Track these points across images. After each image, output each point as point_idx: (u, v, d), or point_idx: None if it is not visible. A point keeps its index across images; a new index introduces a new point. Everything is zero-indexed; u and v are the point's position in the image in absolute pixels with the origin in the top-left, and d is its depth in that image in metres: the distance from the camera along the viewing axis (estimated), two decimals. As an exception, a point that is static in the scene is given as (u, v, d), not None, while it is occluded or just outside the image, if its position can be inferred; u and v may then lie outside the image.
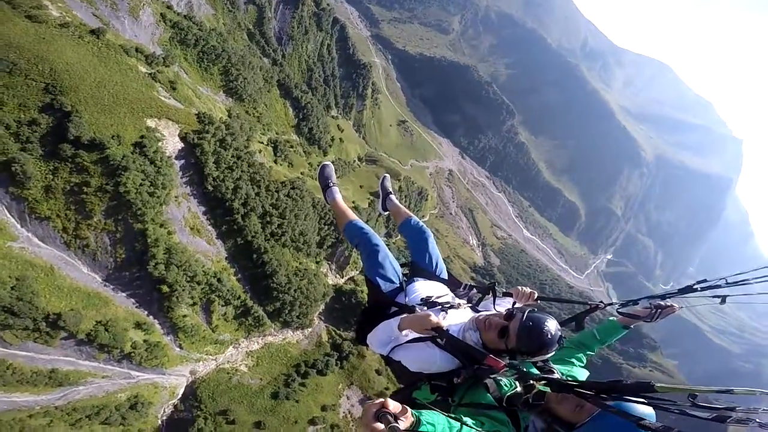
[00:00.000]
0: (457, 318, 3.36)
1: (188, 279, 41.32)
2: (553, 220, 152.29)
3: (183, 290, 40.78)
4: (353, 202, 68.11)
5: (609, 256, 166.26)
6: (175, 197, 41.53)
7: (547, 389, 2.64)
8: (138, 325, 39.28)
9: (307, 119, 77.74)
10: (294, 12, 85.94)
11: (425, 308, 3.48)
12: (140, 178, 37.07)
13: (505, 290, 3.95)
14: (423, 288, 3.87)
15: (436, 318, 3.01)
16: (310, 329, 54.82)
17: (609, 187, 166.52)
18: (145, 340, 39.46)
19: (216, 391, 43.51)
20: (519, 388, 2.79)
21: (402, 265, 4.27)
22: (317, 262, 58.35)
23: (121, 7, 51.08)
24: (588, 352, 3.68)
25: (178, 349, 42.33)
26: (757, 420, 1.77)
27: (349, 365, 53.48)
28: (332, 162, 65.40)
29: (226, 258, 46.16)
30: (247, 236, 46.88)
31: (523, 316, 2.78)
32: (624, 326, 3.79)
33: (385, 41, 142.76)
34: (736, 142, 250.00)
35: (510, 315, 2.88)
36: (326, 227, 58.02)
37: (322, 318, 57.35)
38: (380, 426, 1.64)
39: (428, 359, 3.04)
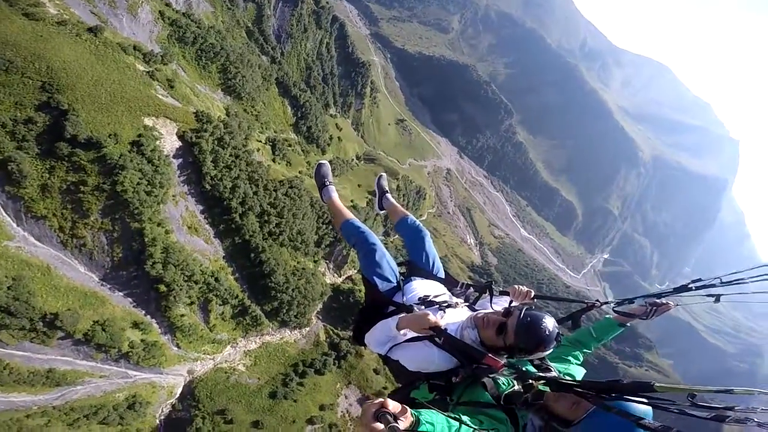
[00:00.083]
0: (455, 317, 3.35)
1: (186, 278, 41.22)
2: (551, 219, 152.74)
3: (180, 289, 40.69)
4: (351, 201, 68.04)
5: (606, 256, 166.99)
6: (173, 196, 41.38)
7: (546, 389, 2.63)
8: (135, 325, 39.17)
9: (305, 118, 77.55)
10: (293, 10, 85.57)
11: (423, 307, 3.48)
12: (137, 176, 36.91)
13: (501, 289, 3.94)
14: (420, 287, 3.86)
15: (434, 317, 3.02)
16: (307, 328, 54.83)
17: (606, 186, 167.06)
18: (142, 340, 39.37)
19: (214, 391, 43.46)
20: (517, 387, 2.80)
21: (399, 265, 4.26)
22: (315, 262, 58.33)
23: (119, 5, 50.70)
24: (584, 350, 3.70)
25: (175, 348, 42.25)
26: (755, 419, 1.77)
27: (347, 364, 53.53)
28: (330, 161, 65.59)
29: (223, 257, 46.08)
30: (244, 235, 46.79)
31: (520, 313, 2.77)
32: (620, 324, 3.79)
33: (384, 40, 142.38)
34: (733, 143, 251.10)
35: (508, 312, 2.89)
36: (324, 226, 57.96)
37: (320, 317, 57.36)
38: (380, 426, 1.63)
39: (426, 358, 3.04)
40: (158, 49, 52.02)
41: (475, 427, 2.28)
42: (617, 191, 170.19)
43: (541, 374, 2.84)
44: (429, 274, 4.22)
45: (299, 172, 62.31)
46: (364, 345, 3.70)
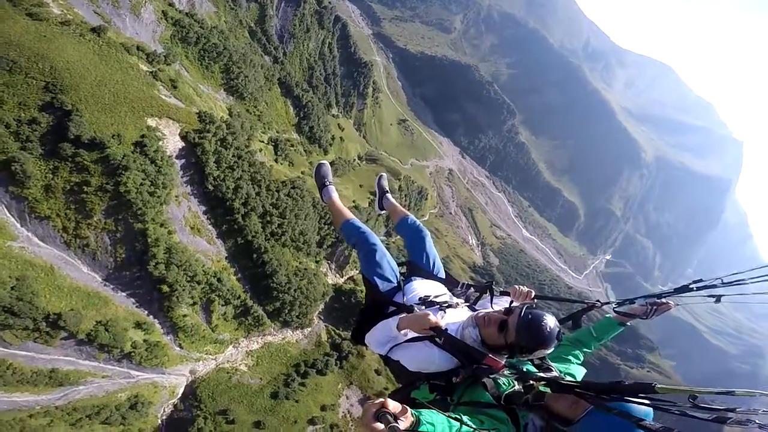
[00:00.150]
0: (455, 317, 3.35)
1: (188, 279, 41.29)
2: (553, 220, 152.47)
3: (183, 290, 40.75)
4: (353, 202, 68.06)
5: (608, 257, 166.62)
6: (176, 197, 41.44)
7: (547, 389, 2.61)
8: (138, 325, 39.27)
9: (307, 118, 77.59)
10: (296, 10, 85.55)
11: (423, 308, 3.48)
12: (141, 177, 36.96)
13: (502, 289, 3.93)
14: (421, 287, 3.86)
15: (434, 317, 3.02)
16: (309, 329, 54.88)
17: (609, 187, 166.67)
18: (145, 340, 39.46)
19: (216, 391, 43.56)
20: (518, 387, 2.78)
21: (399, 265, 4.25)
22: (317, 262, 58.37)
23: (122, 5, 50.76)
24: (585, 350, 3.69)
25: (178, 348, 42.34)
26: (756, 421, 1.76)
27: (349, 365, 53.59)
28: (332, 161, 65.62)
29: (226, 257, 46.13)
30: (247, 236, 46.84)
31: (522, 311, 2.78)
32: (620, 323, 3.78)
33: (386, 40, 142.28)
34: (737, 144, 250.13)
35: (509, 311, 2.90)
36: (326, 227, 57.98)
37: (322, 317, 57.40)
38: (380, 426, 1.63)
39: (427, 359, 3.04)
40: (161, 50, 52.08)
41: (476, 427, 2.28)
42: (620, 192, 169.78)
43: (541, 375, 2.81)
44: (429, 275, 4.22)
45: (301, 173, 62.32)
46: (365, 345, 3.70)
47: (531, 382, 2.76)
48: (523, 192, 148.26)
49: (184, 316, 41.94)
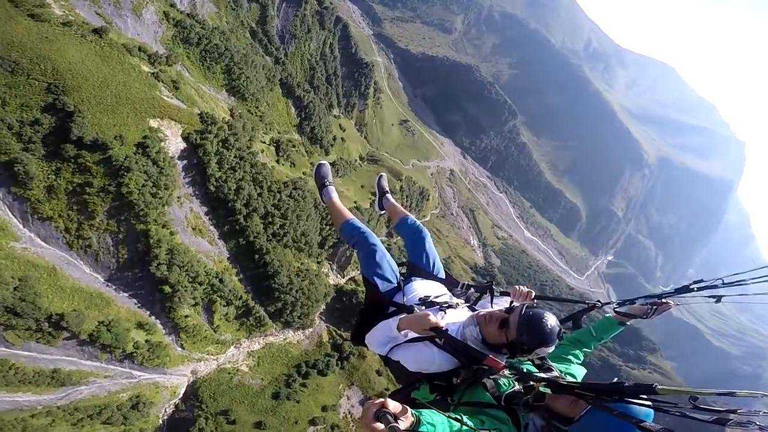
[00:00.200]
0: (456, 317, 3.35)
1: (190, 279, 41.37)
2: (554, 221, 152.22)
3: (185, 291, 40.82)
4: (355, 202, 68.08)
5: (609, 258, 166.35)
6: (178, 198, 41.52)
7: (548, 390, 2.60)
8: (140, 326, 39.35)
9: (309, 118, 77.62)
10: (297, 10, 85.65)
11: (423, 308, 3.47)
12: (143, 178, 37.04)
13: (502, 290, 3.94)
14: (421, 288, 3.85)
15: (434, 318, 3.02)
16: (311, 329, 54.92)
17: (610, 188, 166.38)
18: (147, 340, 39.53)
19: (217, 391, 43.60)
20: (518, 387, 2.78)
21: (399, 265, 4.25)
22: (318, 263, 58.40)
23: (124, 6, 50.86)
24: (585, 349, 3.69)
25: (179, 349, 42.41)
26: (757, 423, 1.74)
27: (350, 366, 53.60)
28: (334, 161, 65.62)
29: (228, 258, 46.20)
30: (249, 237, 46.90)
31: (523, 309, 2.81)
32: (620, 323, 3.78)
33: (387, 40, 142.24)
34: (739, 145, 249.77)
35: (510, 309, 2.93)
36: (328, 227, 57.99)
37: (323, 318, 57.42)
38: (380, 426, 1.64)
39: (427, 359, 3.04)
40: (163, 50, 52.16)
41: (477, 427, 2.29)
42: (621, 193, 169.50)
43: (541, 375, 2.80)
44: (429, 275, 4.22)
45: (303, 173, 62.34)
46: (365, 345, 3.71)
47: (531, 382, 2.75)
48: (524, 193, 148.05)
49: (186, 316, 42.00)
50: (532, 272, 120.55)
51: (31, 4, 38.96)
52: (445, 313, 3.38)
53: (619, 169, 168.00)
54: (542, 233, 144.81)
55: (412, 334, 3.17)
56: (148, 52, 47.43)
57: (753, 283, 3.24)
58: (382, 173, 6.16)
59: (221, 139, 45.25)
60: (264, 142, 61.71)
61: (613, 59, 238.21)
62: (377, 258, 4.00)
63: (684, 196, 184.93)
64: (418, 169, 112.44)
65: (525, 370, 2.99)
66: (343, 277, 63.64)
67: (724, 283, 3.34)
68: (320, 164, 5.31)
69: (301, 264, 53.68)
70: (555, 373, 2.92)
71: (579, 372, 3.40)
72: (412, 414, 1.89)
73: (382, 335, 3.46)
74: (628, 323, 3.80)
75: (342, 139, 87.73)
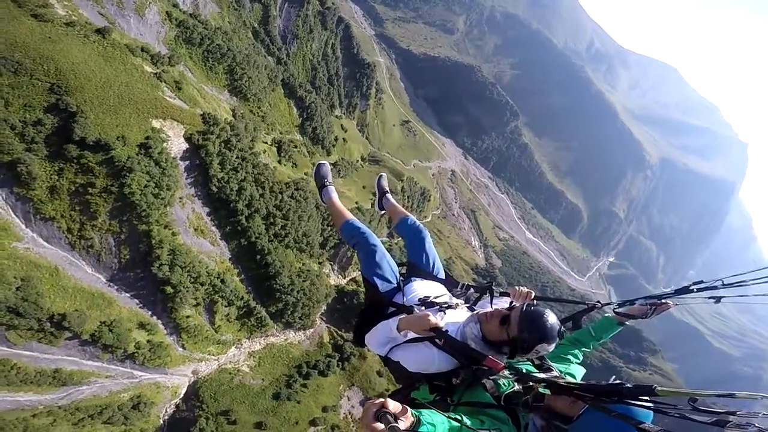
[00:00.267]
0: (455, 318, 3.35)
1: (192, 280, 41.40)
2: (556, 222, 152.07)
3: (187, 291, 40.87)
4: (356, 203, 68.11)
5: (611, 259, 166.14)
6: (180, 198, 41.55)
7: (547, 391, 2.62)
8: (142, 326, 39.40)
9: (311, 119, 77.63)
10: (299, 11, 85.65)
11: (423, 308, 3.48)
12: (145, 179, 37.06)
13: (502, 290, 3.95)
14: (421, 288, 3.86)
15: (434, 318, 3.03)
16: (311, 330, 54.96)
17: (612, 189, 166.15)
18: (148, 341, 39.58)
19: (218, 392, 43.65)
20: (518, 387, 2.79)
21: (399, 265, 4.26)
22: (320, 263, 58.42)
23: (126, 5, 50.87)
24: (584, 349, 3.72)
25: (180, 349, 42.46)
26: (757, 425, 1.75)
27: (351, 366, 53.64)
28: (335, 162, 65.51)
29: (229, 259, 46.24)
30: (251, 237, 46.93)
31: (524, 306, 2.84)
32: (619, 323, 3.81)
33: (389, 41, 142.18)
34: (741, 146, 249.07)
35: (512, 307, 2.95)
36: (329, 228, 58.00)
37: (324, 319, 57.46)
38: (380, 426, 1.65)
39: (427, 359, 3.05)
40: (165, 51, 52.19)
41: (477, 427, 2.30)
42: (623, 194, 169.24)
43: (541, 375, 2.81)
44: (429, 275, 4.22)
45: (305, 174, 62.34)
46: (365, 345, 3.72)
47: (531, 383, 2.76)
48: (526, 193, 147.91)
49: (188, 316, 42.05)
50: (534, 273, 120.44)
51: (34, 4, 38.99)
52: (445, 313, 3.38)
53: (621, 170, 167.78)
54: (543, 234, 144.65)
55: (411, 335, 3.18)
56: (151, 52, 47.45)
57: (753, 284, 3.23)
58: (381, 173, 6.17)
59: (223, 140, 45.27)
60: (266, 143, 61.76)
61: (616, 60, 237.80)
62: (377, 258, 4.00)
63: (686, 198, 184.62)
64: (420, 169, 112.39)
65: (524, 371, 3.00)
66: (344, 278, 63.66)
67: (723, 284, 3.33)
68: (320, 164, 5.31)
69: (303, 265, 53.72)
70: (554, 373, 2.93)
71: (578, 372, 3.42)
72: (412, 414, 1.90)
73: (381, 335, 3.46)
74: (627, 323, 3.83)
75: (343, 139, 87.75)
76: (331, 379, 51.17)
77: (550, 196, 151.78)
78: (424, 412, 2.08)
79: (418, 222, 4.69)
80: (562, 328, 2.84)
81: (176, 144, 41.68)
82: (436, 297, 3.65)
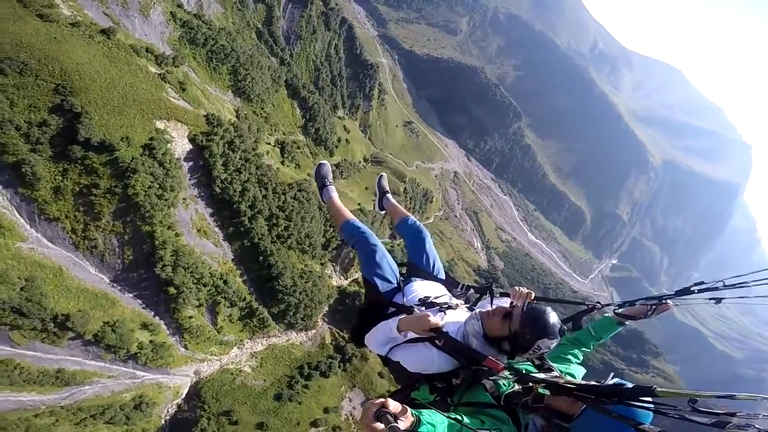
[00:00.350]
0: (455, 318, 3.34)
1: (195, 281, 41.47)
2: (558, 223, 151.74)
3: (189, 292, 40.94)
4: (358, 204, 68.08)
5: (614, 261, 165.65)
6: (183, 199, 41.62)
7: (546, 392, 2.62)
8: (144, 326, 39.47)
9: (314, 120, 77.69)
10: (302, 11, 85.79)
11: (423, 309, 3.47)
12: (149, 180, 37.14)
13: (502, 290, 3.94)
14: (421, 288, 3.85)
15: (434, 318, 3.05)
16: (313, 331, 54.98)
17: (616, 191, 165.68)
18: (151, 341, 39.65)
19: (220, 392, 43.71)
20: (518, 387, 2.80)
21: (399, 265, 4.25)
22: (322, 264, 58.44)
23: (131, 6, 51.05)
24: (584, 349, 3.72)
25: (183, 349, 42.54)
26: (756, 426, 1.73)
27: (352, 367, 53.64)
28: (338, 163, 65.50)
29: (232, 260, 46.30)
30: (253, 238, 46.99)
31: (526, 304, 2.88)
32: (619, 323, 3.82)
33: (392, 41, 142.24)
34: (746, 148, 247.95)
35: (514, 305, 2.99)
36: (331, 229, 58.05)
37: (326, 320, 57.48)
38: (380, 426, 1.65)
39: (427, 360, 3.05)
40: (170, 51, 52.34)
41: (477, 427, 2.31)
42: (627, 196, 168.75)
43: (541, 376, 2.79)
44: (429, 276, 4.21)
45: (308, 175, 62.38)
46: (364, 346, 3.72)
47: (530, 383, 2.76)
48: (528, 195, 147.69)
49: (190, 317, 42.13)
50: (536, 275, 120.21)
51: (39, 5, 39.14)
52: (445, 313, 3.38)
53: (624, 171, 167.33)
54: (546, 236, 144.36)
55: (411, 335, 3.18)
56: (155, 53, 47.61)
57: (755, 285, 3.21)
58: (382, 173, 6.16)
59: (227, 141, 45.36)
60: (269, 144, 61.86)
61: (619, 61, 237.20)
62: (377, 258, 3.99)
63: (690, 200, 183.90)
64: (422, 170, 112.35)
65: (524, 371, 2.98)
66: (347, 279, 63.67)
67: (725, 285, 3.30)
68: (321, 164, 5.31)
69: (305, 266, 53.75)
70: (555, 374, 2.91)
71: (578, 371, 3.42)
72: (412, 414, 1.90)
73: (381, 336, 3.46)
74: (626, 323, 3.84)
75: (346, 140, 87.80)
76: (332, 381, 51.19)
77: (552, 198, 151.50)
78: (424, 412, 2.08)
79: (418, 222, 4.67)
80: (563, 328, 2.84)
81: (180, 145, 41.78)
82: (436, 297, 3.65)
